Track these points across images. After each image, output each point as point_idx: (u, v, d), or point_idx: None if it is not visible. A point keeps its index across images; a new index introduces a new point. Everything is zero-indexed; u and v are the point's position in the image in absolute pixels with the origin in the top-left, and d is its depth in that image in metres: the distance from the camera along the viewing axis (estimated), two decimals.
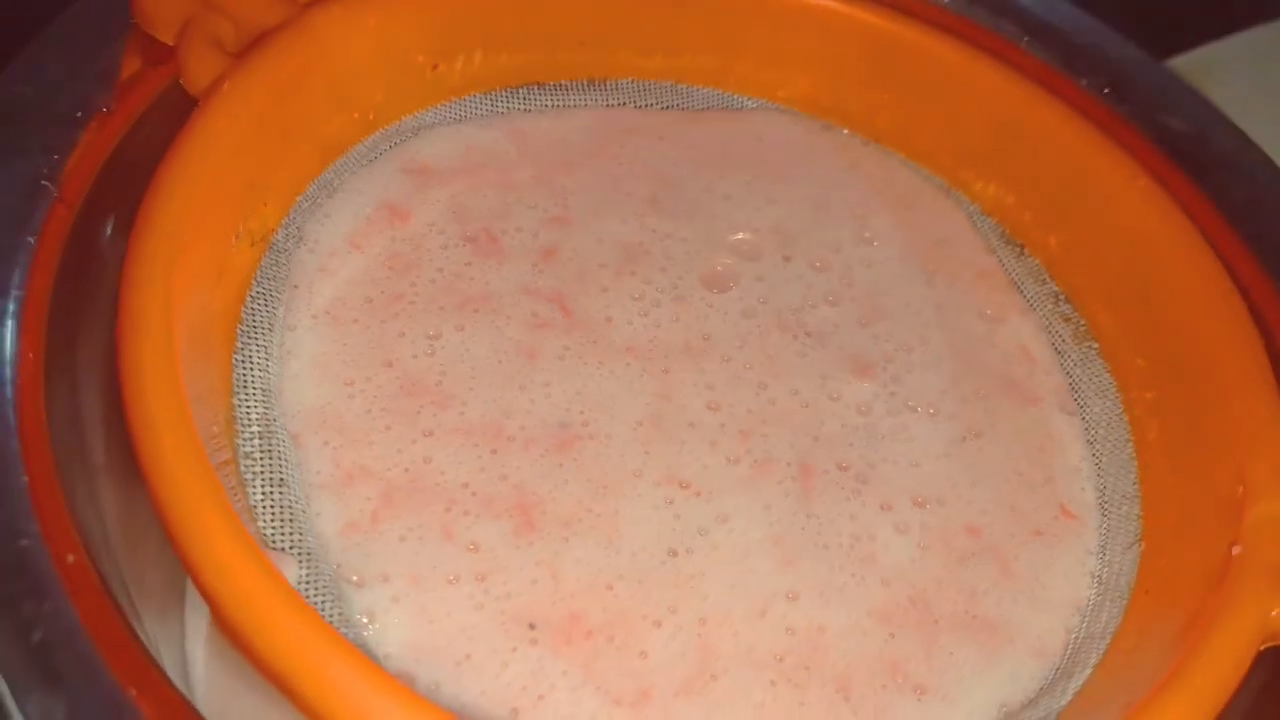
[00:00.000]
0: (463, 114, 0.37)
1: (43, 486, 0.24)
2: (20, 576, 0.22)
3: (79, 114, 0.29)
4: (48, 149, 0.28)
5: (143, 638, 0.23)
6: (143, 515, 0.23)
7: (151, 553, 0.27)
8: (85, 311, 0.28)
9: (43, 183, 0.27)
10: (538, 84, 0.38)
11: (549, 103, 0.38)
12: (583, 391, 0.31)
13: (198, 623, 0.32)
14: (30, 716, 0.21)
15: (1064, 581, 0.30)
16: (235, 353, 0.29)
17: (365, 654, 0.25)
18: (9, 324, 0.26)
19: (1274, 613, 0.25)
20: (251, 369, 0.29)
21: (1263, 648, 0.25)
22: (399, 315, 0.31)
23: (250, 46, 0.30)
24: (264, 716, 0.28)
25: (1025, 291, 0.36)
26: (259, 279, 0.30)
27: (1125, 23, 0.38)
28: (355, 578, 0.27)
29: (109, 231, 0.29)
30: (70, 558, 0.23)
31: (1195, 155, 0.35)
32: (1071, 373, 0.35)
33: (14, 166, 0.28)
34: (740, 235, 0.36)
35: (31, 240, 0.27)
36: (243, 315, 0.30)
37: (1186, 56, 0.49)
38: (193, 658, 0.32)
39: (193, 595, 0.32)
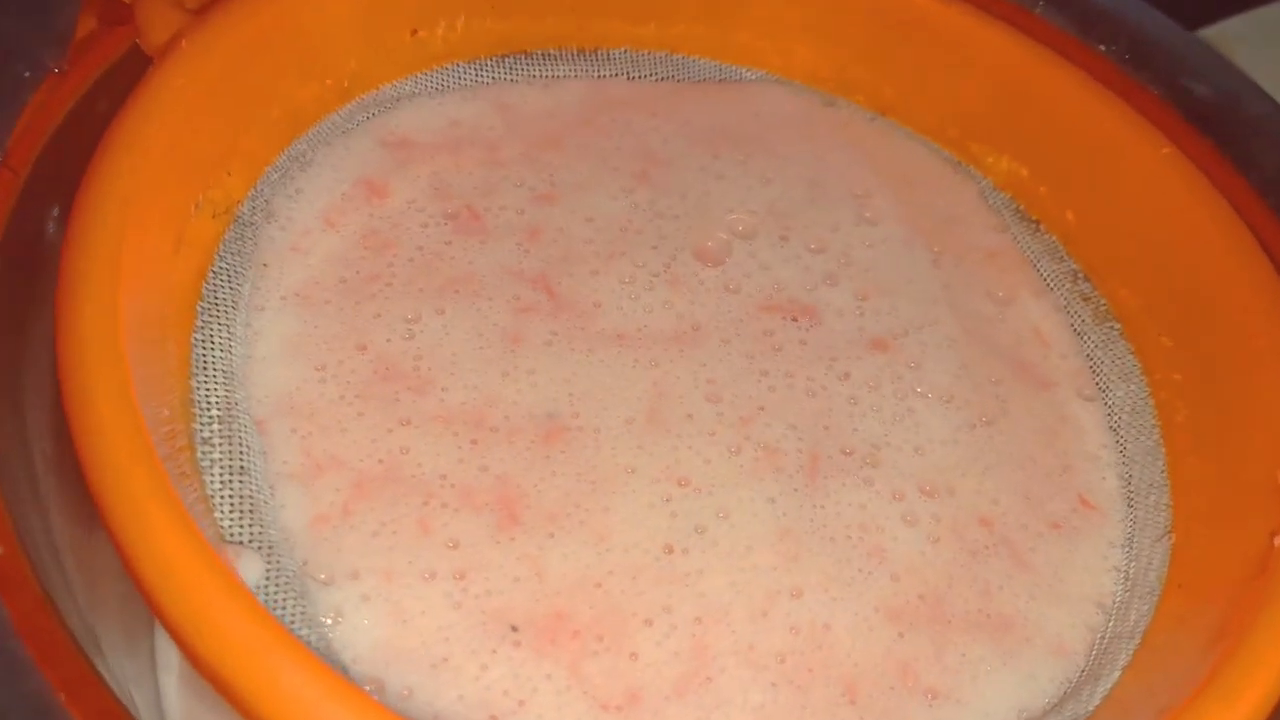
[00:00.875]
0: (444, 84, 0.35)
1: None
2: None
3: (28, 74, 0.27)
4: None
5: (82, 641, 0.21)
6: (103, 546, 0.21)
7: (117, 581, 0.25)
8: (31, 291, 0.25)
9: None
10: (524, 53, 0.36)
11: (536, 73, 0.36)
12: (571, 380, 0.29)
13: (169, 654, 0.30)
14: None
15: (1085, 576, 0.28)
16: (195, 332, 0.27)
17: (327, 657, 0.23)
18: None
19: None
20: (213, 349, 0.27)
21: None
22: (375, 297, 0.29)
23: (211, 2, 0.28)
24: None
25: (1041, 270, 0.34)
26: (222, 254, 0.28)
27: None
28: (323, 575, 0.25)
29: (57, 208, 0.26)
30: (0, 550, 0.21)
31: (1222, 122, 0.33)
32: (1092, 355, 0.33)
33: None
34: (734, 215, 0.33)
35: None
36: (204, 292, 0.28)
37: (1206, 31, 0.47)
38: (165, 689, 0.30)
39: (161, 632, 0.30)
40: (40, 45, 0.27)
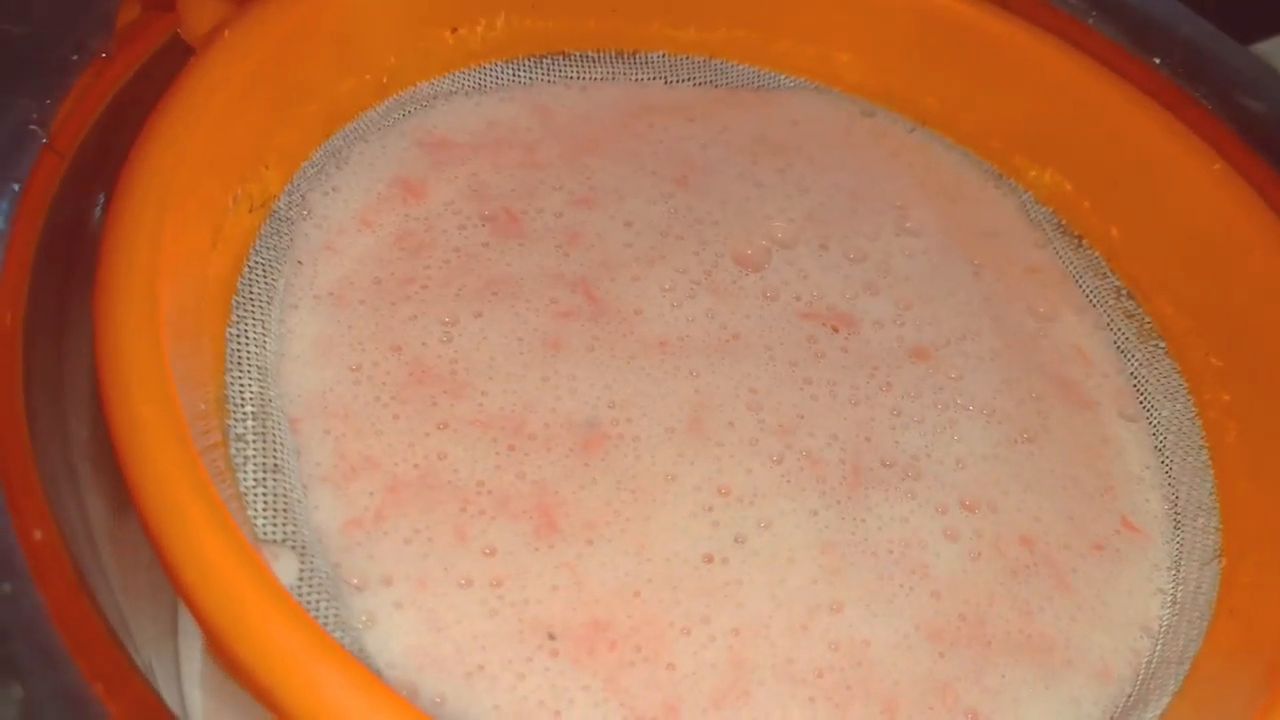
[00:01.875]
0: (482, 83, 0.34)
1: (12, 455, 0.21)
2: None
3: (75, 58, 0.27)
4: (40, 92, 0.26)
5: (117, 630, 0.21)
6: (136, 536, 0.21)
7: (144, 588, 0.25)
8: (75, 275, 0.25)
9: (32, 128, 0.25)
10: (563, 54, 0.36)
11: (574, 75, 0.36)
12: (612, 387, 0.28)
13: (192, 658, 0.30)
14: None
15: (1128, 599, 0.27)
16: (229, 326, 0.27)
17: (361, 661, 0.23)
18: None
19: None
20: (247, 344, 0.27)
21: None
22: (411, 299, 0.29)
23: None
24: None
25: (1083, 286, 0.34)
26: (258, 249, 0.28)
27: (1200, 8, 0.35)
28: (355, 580, 0.24)
29: (102, 194, 0.26)
30: (38, 534, 0.20)
31: (1276, 139, 0.32)
32: (1136, 374, 0.32)
33: (5, 108, 0.25)
34: (774, 223, 0.33)
35: (16, 188, 0.24)
36: (239, 287, 0.27)
37: (1261, 46, 0.46)
38: (190, 699, 0.29)
39: (185, 631, 0.30)
40: (86, 30, 0.27)
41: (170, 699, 0.21)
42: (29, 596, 0.19)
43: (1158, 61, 0.33)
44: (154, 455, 0.20)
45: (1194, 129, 0.32)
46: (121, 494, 0.20)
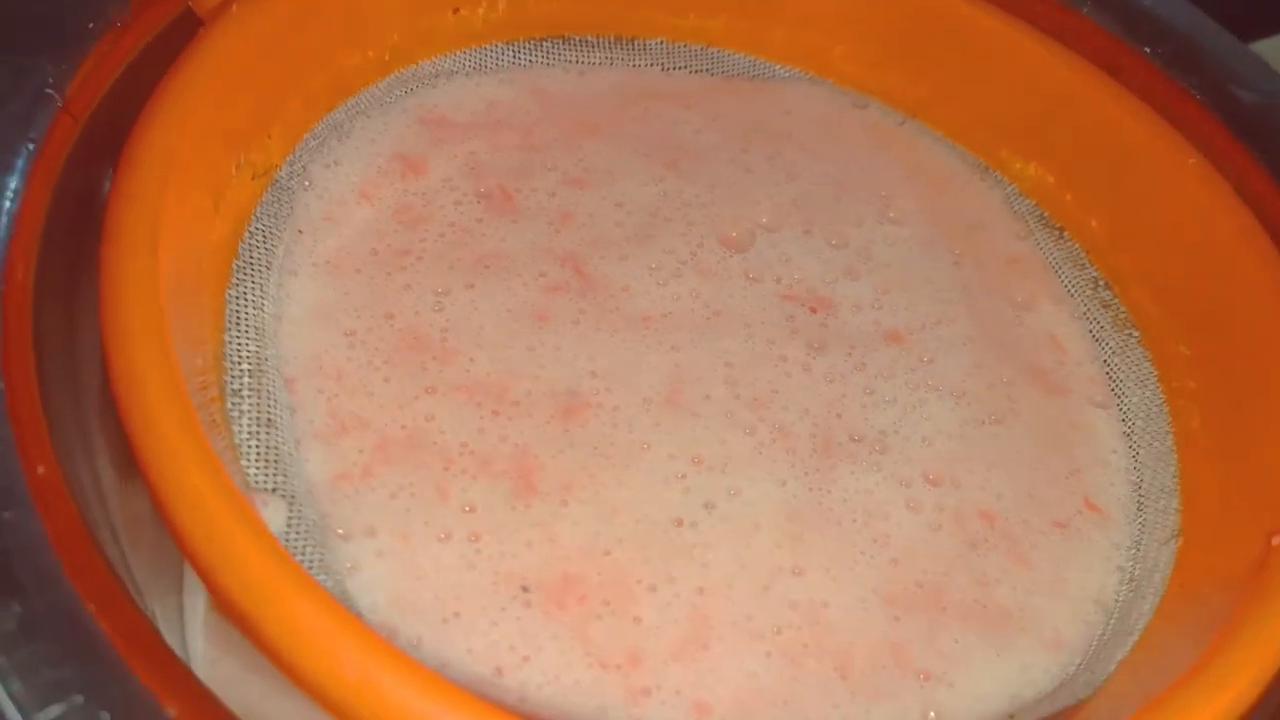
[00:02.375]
0: (482, 63, 0.36)
1: (20, 394, 0.23)
2: None
3: (93, 25, 0.28)
4: (57, 57, 0.27)
5: (114, 558, 0.22)
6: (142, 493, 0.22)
7: (150, 540, 0.26)
8: (85, 234, 0.26)
9: (48, 91, 0.26)
10: (562, 38, 0.37)
11: (573, 59, 0.37)
12: (595, 358, 0.29)
13: (196, 601, 0.31)
14: None
15: (1086, 576, 0.28)
16: (229, 289, 0.28)
17: (344, 604, 0.24)
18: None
19: None
20: (246, 306, 0.28)
21: None
22: (405, 269, 0.30)
23: None
24: (269, 702, 0.27)
25: (1062, 277, 0.35)
26: (259, 215, 0.29)
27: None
28: (341, 530, 0.26)
29: (114, 153, 0.27)
30: (41, 469, 0.22)
31: (1266, 130, 0.33)
32: (1109, 362, 0.33)
33: (20, 70, 0.26)
34: (760, 208, 0.34)
35: (31, 148, 0.25)
36: (240, 251, 0.28)
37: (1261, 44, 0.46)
38: (193, 644, 0.31)
39: (191, 582, 0.31)
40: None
41: (173, 643, 0.22)
42: (29, 523, 0.21)
43: (1148, 51, 0.34)
44: (151, 407, 0.21)
45: (1184, 120, 0.33)
46: (127, 448, 0.22)
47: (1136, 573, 0.28)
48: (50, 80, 0.26)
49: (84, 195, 0.26)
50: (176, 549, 0.21)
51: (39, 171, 0.25)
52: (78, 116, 0.27)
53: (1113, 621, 0.28)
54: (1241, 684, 0.21)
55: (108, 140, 0.27)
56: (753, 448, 0.28)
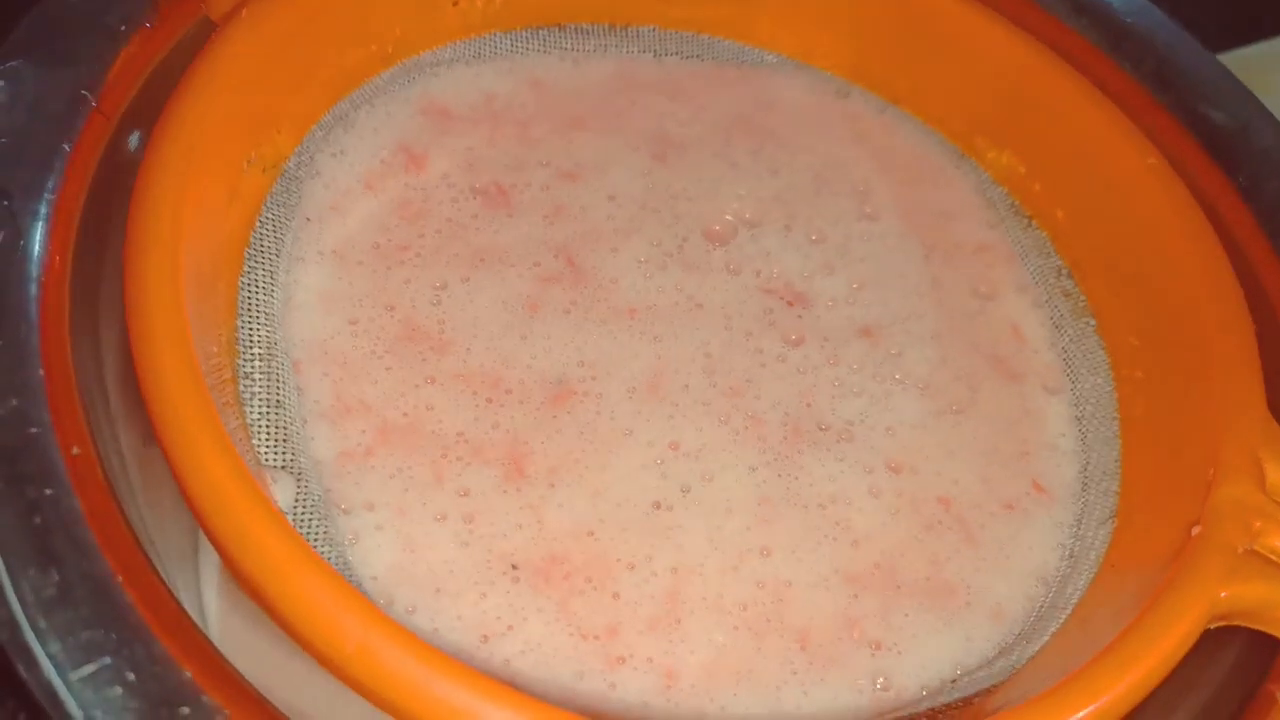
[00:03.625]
0: (480, 52, 0.37)
1: (58, 381, 0.25)
2: (28, 461, 0.23)
3: (123, 28, 0.30)
4: (91, 59, 0.29)
5: (140, 532, 0.24)
6: (159, 460, 0.24)
7: (169, 508, 0.28)
8: (115, 223, 0.28)
9: (83, 92, 0.28)
10: (558, 26, 0.38)
11: (569, 46, 0.38)
12: (583, 349, 0.31)
13: (210, 567, 0.33)
14: (23, 592, 0.22)
15: (1029, 553, 0.30)
16: (241, 276, 0.30)
17: (345, 574, 0.26)
18: (39, 225, 0.26)
19: (1223, 594, 0.25)
20: (256, 293, 0.30)
21: (1211, 626, 0.26)
22: (405, 264, 0.32)
23: None
24: (275, 663, 0.29)
25: (1029, 264, 0.37)
26: (269, 205, 0.31)
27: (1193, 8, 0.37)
28: (343, 505, 0.28)
29: (136, 145, 0.29)
30: (76, 450, 0.24)
31: (1233, 149, 0.35)
32: (1066, 349, 0.35)
33: (59, 74, 0.28)
34: (743, 203, 0.36)
35: (67, 148, 0.27)
36: (251, 240, 0.30)
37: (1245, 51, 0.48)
38: (206, 598, 0.33)
39: (205, 548, 0.33)
40: (133, 3, 0.30)
41: (189, 605, 0.24)
42: (67, 500, 0.23)
43: (1129, 66, 0.36)
44: (172, 392, 0.24)
45: (1134, 121, 0.35)
46: (147, 425, 0.24)
47: (1076, 550, 0.31)
48: (85, 82, 0.28)
49: (113, 187, 0.28)
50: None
51: (74, 171, 0.27)
52: (110, 116, 0.28)
53: (1051, 595, 0.30)
54: (1146, 665, 0.24)
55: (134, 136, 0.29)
56: (727, 435, 0.31)
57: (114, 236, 0.28)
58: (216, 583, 0.33)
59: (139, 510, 0.27)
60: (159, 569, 0.24)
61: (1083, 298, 0.36)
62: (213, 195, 0.29)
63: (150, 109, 0.29)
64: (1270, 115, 0.36)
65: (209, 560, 0.33)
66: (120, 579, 0.23)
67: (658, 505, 0.29)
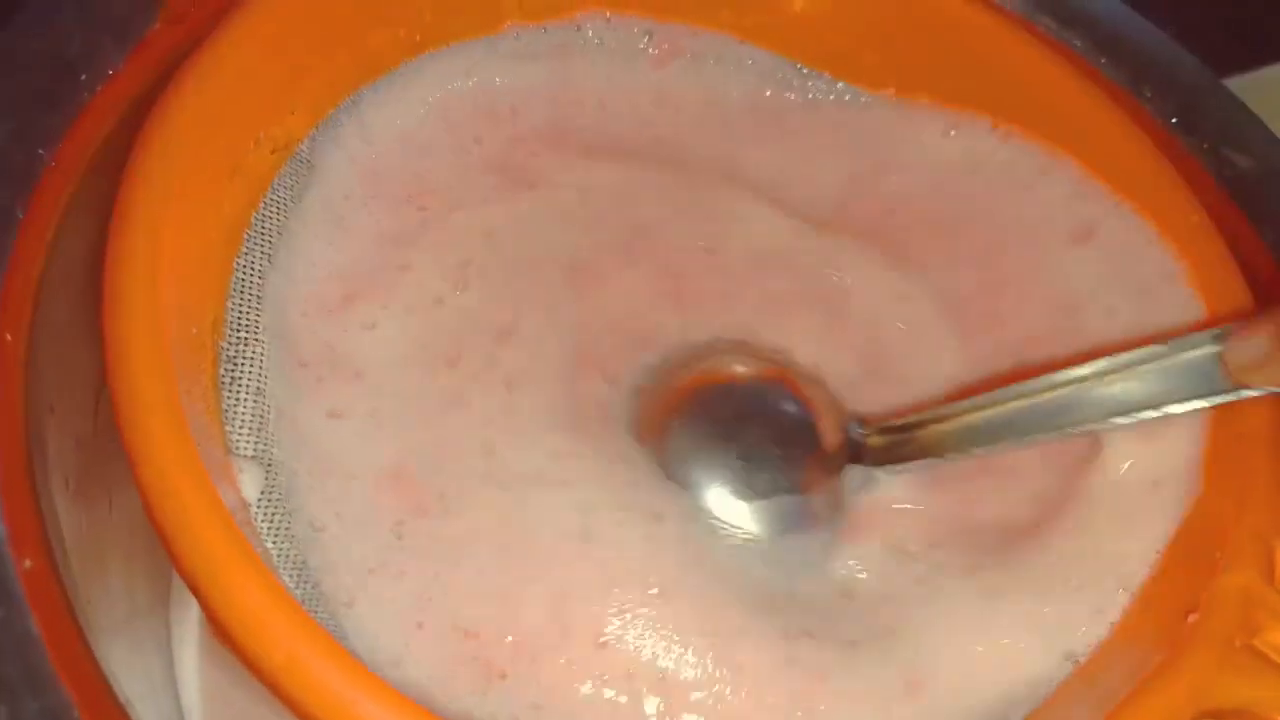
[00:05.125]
0: (518, 50, 0.36)
1: (13, 487, 0.23)
2: None
3: (84, 76, 0.28)
4: (45, 107, 0.27)
5: (96, 653, 0.23)
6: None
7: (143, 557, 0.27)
8: (81, 303, 0.26)
9: (39, 151, 0.26)
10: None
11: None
12: None
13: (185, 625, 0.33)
14: None
15: None
16: (237, 258, 0.29)
17: (303, 568, 0.26)
18: None
19: (1212, 689, 0.24)
20: (252, 275, 0.29)
21: None
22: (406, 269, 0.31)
23: None
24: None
25: None
26: (275, 188, 0.30)
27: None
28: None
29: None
30: (28, 563, 0.22)
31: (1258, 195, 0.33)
32: None
33: (6, 124, 0.26)
34: None
35: (20, 214, 0.25)
36: (252, 221, 0.30)
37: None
38: (180, 659, 0.33)
39: (178, 593, 0.33)
40: (98, 42, 0.28)
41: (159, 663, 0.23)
42: (20, 622, 0.21)
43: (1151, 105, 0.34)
44: (133, 371, 0.23)
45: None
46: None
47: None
48: (41, 134, 0.26)
49: (79, 254, 0.27)
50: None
51: (26, 238, 0.25)
52: (68, 174, 0.27)
53: None
54: None
55: (99, 193, 0.26)
56: None
57: (77, 320, 0.26)
58: (197, 639, 0.32)
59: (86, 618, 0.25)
60: (118, 694, 0.23)
61: None
62: (212, 170, 0.28)
63: (116, 167, 0.26)
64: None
65: (185, 616, 0.32)
66: (79, 712, 0.21)
67: None
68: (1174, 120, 0.34)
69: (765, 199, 0.35)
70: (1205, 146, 0.33)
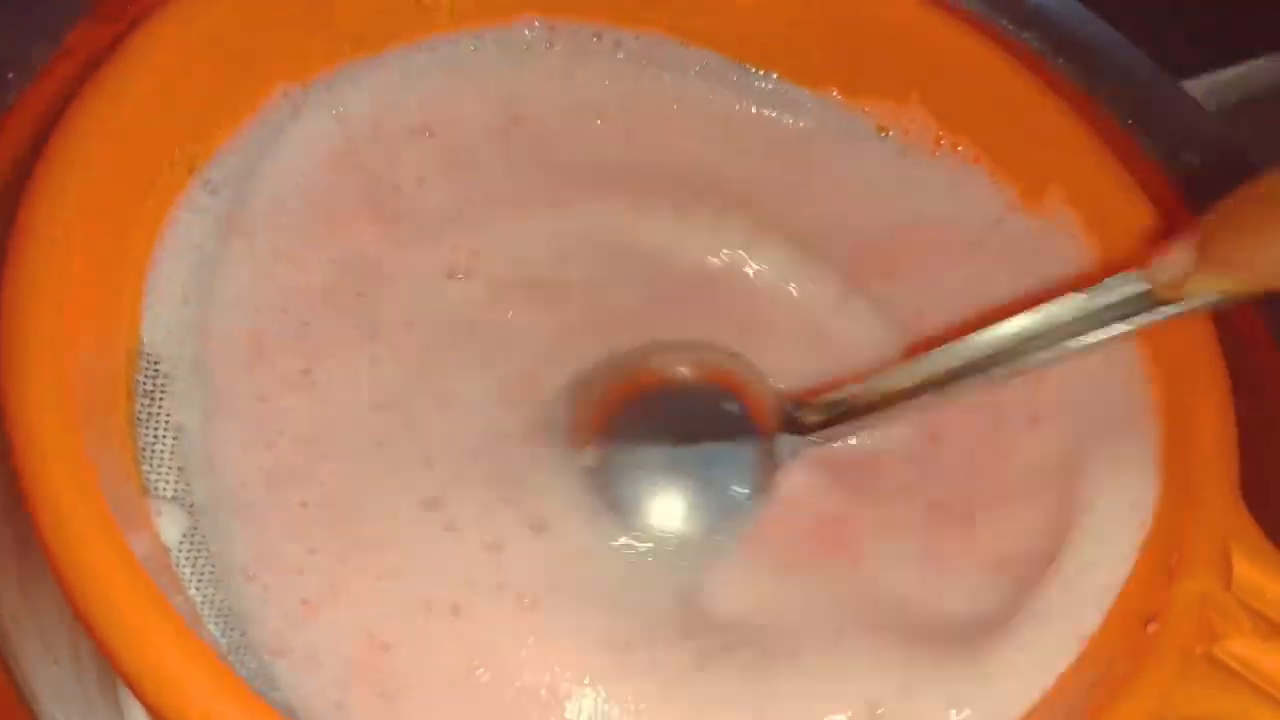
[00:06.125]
0: (445, 58, 0.35)
1: None
2: None
3: (10, 75, 0.27)
4: None
5: None
6: None
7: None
8: None
9: None
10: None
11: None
12: None
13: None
14: None
15: None
16: (151, 284, 0.28)
17: (231, 616, 0.24)
18: None
19: (1174, 702, 0.23)
20: (168, 304, 0.28)
21: None
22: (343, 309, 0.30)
23: None
24: None
25: None
26: (190, 207, 0.29)
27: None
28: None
29: None
30: None
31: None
32: None
33: None
34: None
35: None
36: (165, 245, 0.28)
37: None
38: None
39: None
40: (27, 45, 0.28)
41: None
42: None
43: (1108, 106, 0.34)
44: (30, 412, 0.22)
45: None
46: None
47: None
48: None
49: None
50: None
51: None
52: None
53: None
54: None
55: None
56: None
57: None
58: None
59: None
60: None
61: None
62: (126, 188, 0.27)
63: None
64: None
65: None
66: None
67: None
68: (1129, 121, 0.34)
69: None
70: (1161, 148, 0.33)
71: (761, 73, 0.36)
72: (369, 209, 0.31)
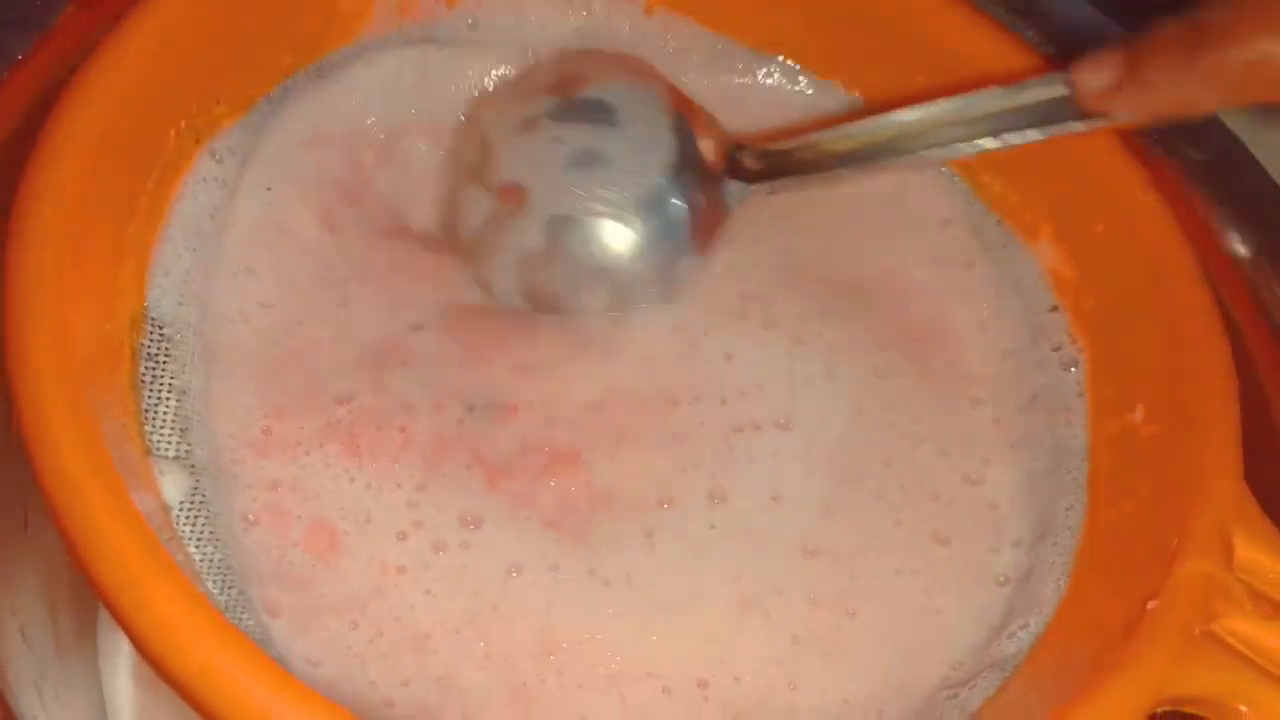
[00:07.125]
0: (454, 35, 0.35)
1: None
2: None
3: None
4: None
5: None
6: None
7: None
8: None
9: None
10: None
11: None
12: None
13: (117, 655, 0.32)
14: None
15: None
16: (156, 252, 0.28)
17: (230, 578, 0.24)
18: None
19: (1172, 679, 0.23)
20: (173, 273, 0.28)
21: (1158, 711, 0.24)
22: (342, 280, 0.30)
23: None
24: None
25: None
26: (197, 180, 0.29)
27: None
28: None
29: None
30: None
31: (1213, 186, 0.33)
32: None
33: None
34: None
35: None
36: (171, 214, 0.28)
37: None
38: (111, 689, 0.31)
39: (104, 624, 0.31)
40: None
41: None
42: None
43: None
44: (34, 372, 0.22)
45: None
46: None
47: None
48: None
49: None
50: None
51: None
52: None
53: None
54: None
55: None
56: None
57: None
58: (130, 666, 0.31)
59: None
60: None
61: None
62: (129, 160, 0.27)
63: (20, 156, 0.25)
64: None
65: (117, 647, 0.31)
66: None
67: None
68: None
69: None
70: (1161, 140, 0.33)
71: None
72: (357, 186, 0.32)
